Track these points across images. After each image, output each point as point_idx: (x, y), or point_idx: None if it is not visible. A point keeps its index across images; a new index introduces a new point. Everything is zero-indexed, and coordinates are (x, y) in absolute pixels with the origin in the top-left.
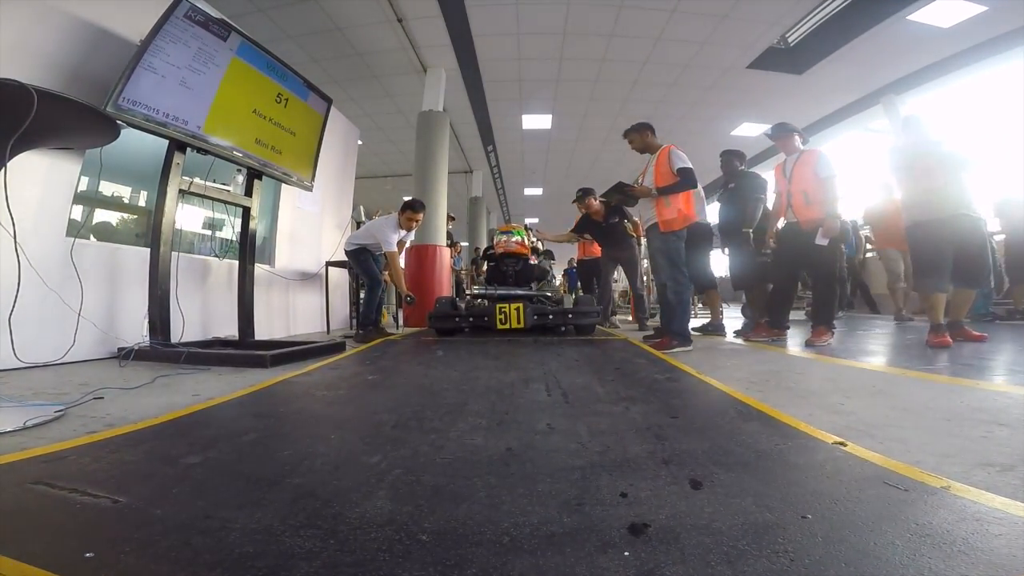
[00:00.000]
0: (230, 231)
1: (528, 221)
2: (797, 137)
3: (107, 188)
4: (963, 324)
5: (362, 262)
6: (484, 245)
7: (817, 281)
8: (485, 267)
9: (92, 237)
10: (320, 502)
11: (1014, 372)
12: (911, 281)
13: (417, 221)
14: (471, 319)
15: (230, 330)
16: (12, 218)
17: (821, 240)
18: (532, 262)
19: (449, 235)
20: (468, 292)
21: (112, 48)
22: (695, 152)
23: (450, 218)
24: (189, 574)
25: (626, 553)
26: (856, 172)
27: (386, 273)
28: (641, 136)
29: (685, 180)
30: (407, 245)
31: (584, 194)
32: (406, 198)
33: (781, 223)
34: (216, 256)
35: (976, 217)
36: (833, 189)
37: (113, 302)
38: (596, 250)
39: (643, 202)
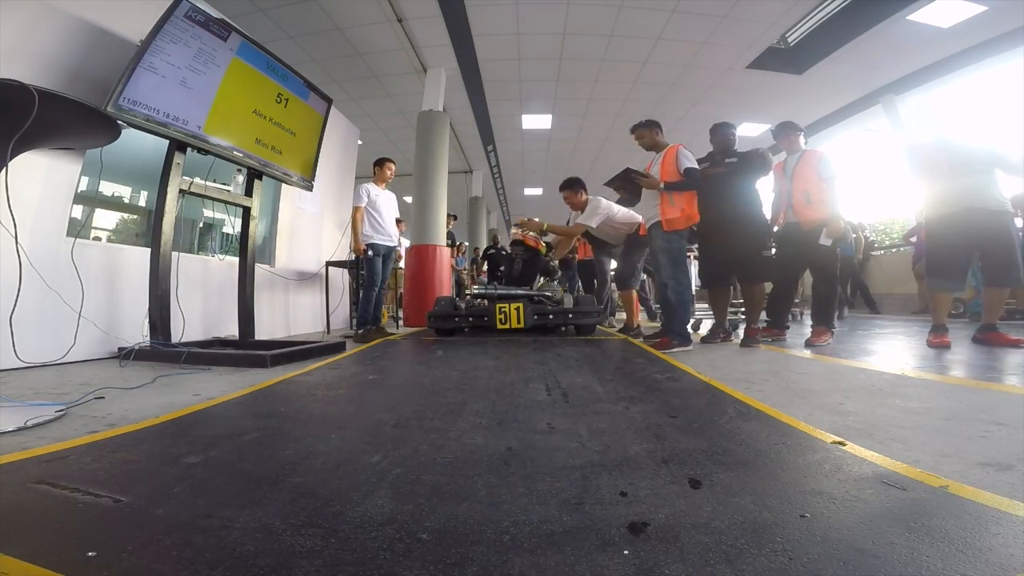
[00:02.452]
0: (230, 230)
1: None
2: (801, 136)
3: (107, 188)
4: (997, 328)
5: (368, 259)
6: (484, 245)
7: (818, 281)
8: (485, 267)
9: (103, 239)
10: (321, 501)
11: (1013, 372)
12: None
13: (381, 167)
14: (471, 319)
15: (230, 330)
16: (13, 218)
17: (825, 240)
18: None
19: (451, 235)
20: (468, 292)
21: (112, 48)
22: (696, 152)
23: (452, 217)
24: (191, 573)
25: (626, 552)
26: (857, 172)
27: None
28: (650, 132)
29: (690, 180)
30: (404, 245)
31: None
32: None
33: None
34: (218, 255)
35: (998, 211)
36: (835, 190)
37: (113, 302)
38: None
39: (645, 200)
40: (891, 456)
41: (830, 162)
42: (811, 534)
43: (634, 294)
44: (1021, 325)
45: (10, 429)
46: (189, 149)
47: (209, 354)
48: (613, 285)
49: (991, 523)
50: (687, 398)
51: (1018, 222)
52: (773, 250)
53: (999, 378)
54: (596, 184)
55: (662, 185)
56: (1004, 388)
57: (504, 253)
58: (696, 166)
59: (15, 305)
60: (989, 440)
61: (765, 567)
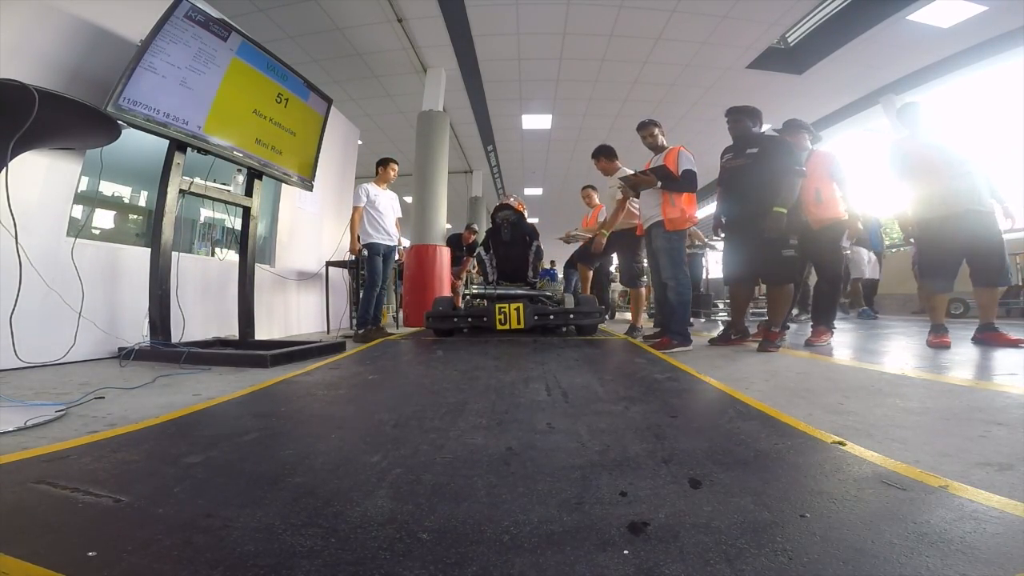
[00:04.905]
0: (230, 224)
1: (528, 221)
2: (806, 135)
3: (107, 188)
4: (996, 327)
5: (368, 258)
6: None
7: (821, 280)
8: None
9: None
10: (321, 501)
11: (1013, 372)
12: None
13: (385, 168)
14: (470, 319)
15: (230, 330)
16: (13, 218)
17: (845, 242)
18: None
19: (475, 246)
20: (467, 292)
21: (112, 48)
22: (695, 152)
23: (472, 230)
24: (191, 573)
25: (625, 551)
26: (860, 171)
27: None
28: (658, 131)
29: (686, 181)
30: (404, 245)
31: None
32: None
33: None
34: (218, 255)
35: (987, 212)
36: (849, 191)
37: (113, 302)
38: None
39: (645, 200)
40: (891, 456)
41: (841, 163)
42: (811, 534)
43: (643, 291)
44: (1020, 325)
45: (10, 429)
46: (189, 149)
47: (209, 354)
48: (613, 285)
49: (990, 523)
50: (687, 398)
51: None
52: (793, 251)
53: (999, 378)
54: (595, 183)
55: (659, 184)
56: (1004, 388)
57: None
58: (694, 169)
59: (15, 305)
60: (989, 440)
61: (765, 567)
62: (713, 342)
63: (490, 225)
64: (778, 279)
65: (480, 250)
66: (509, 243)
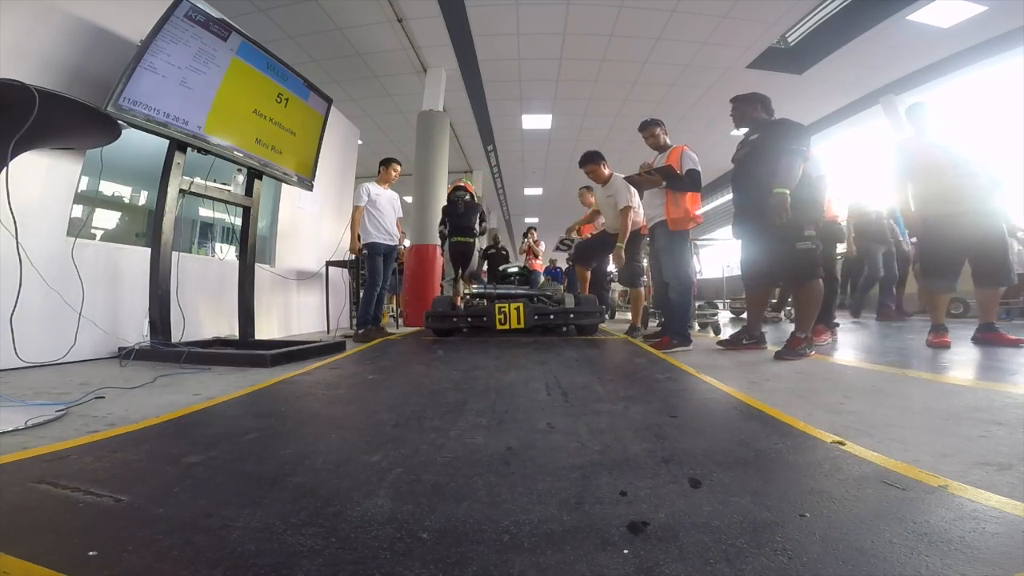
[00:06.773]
0: (230, 230)
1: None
2: None
3: (107, 188)
4: (996, 327)
5: (368, 258)
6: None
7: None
8: (485, 267)
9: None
10: (321, 501)
11: (1013, 372)
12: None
13: (387, 168)
14: (470, 319)
15: (230, 330)
16: (14, 218)
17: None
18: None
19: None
20: (467, 291)
21: (112, 48)
22: (702, 152)
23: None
24: (191, 572)
25: (625, 551)
26: (858, 171)
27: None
28: (661, 131)
29: (690, 181)
30: (405, 243)
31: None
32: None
33: None
34: (219, 253)
35: (991, 212)
36: (822, 189)
37: (114, 302)
38: None
39: (648, 200)
40: (890, 456)
41: (818, 162)
42: (811, 533)
43: (643, 291)
44: (1020, 325)
45: (10, 429)
46: (189, 149)
47: (209, 354)
48: (612, 285)
49: (990, 523)
50: (687, 398)
51: None
52: (810, 243)
53: (998, 378)
54: (591, 183)
55: (664, 184)
56: (1003, 388)
57: (504, 252)
58: (699, 169)
59: (15, 305)
60: (988, 440)
61: (765, 566)
62: (722, 344)
63: (492, 245)
64: (796, 276)
65: (441, 228)
66: (463, 214)
